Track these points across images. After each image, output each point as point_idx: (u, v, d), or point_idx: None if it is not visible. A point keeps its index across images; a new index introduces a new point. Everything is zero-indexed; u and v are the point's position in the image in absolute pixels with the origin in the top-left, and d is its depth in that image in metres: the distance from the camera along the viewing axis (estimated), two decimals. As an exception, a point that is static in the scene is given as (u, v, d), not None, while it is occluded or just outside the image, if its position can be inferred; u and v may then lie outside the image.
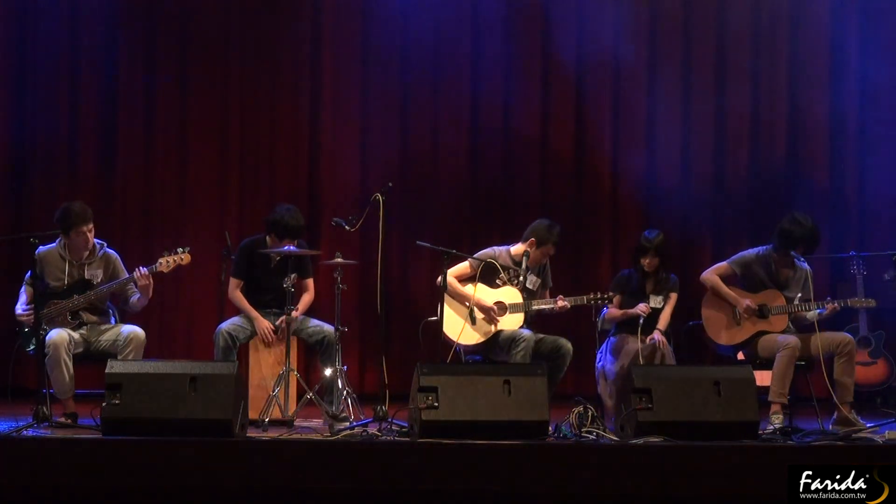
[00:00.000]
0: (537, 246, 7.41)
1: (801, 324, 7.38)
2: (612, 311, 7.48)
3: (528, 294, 7.38)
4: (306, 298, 7.55)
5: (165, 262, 7.07)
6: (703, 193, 9.31)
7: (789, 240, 7.26)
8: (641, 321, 7.34)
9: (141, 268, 7.02)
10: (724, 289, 7.42)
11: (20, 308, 7.00)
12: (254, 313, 7.40)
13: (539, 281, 7.50)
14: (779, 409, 7.02)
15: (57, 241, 7.13)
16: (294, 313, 7.22)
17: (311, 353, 8.81)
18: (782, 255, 7.36)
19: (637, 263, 7.58)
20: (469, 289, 7.34)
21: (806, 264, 7.38)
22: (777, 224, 7.37)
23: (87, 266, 7.13)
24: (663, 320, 7.45)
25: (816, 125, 9.32)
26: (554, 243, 7.44)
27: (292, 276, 7.15)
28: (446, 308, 7.16)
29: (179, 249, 7.14)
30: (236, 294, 7.51)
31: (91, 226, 7.07)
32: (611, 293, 7.38)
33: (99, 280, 7.11)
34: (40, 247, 7.07)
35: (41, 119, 9.23)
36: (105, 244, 7.23)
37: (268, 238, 7.46)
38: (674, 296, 7.56)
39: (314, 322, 7.45)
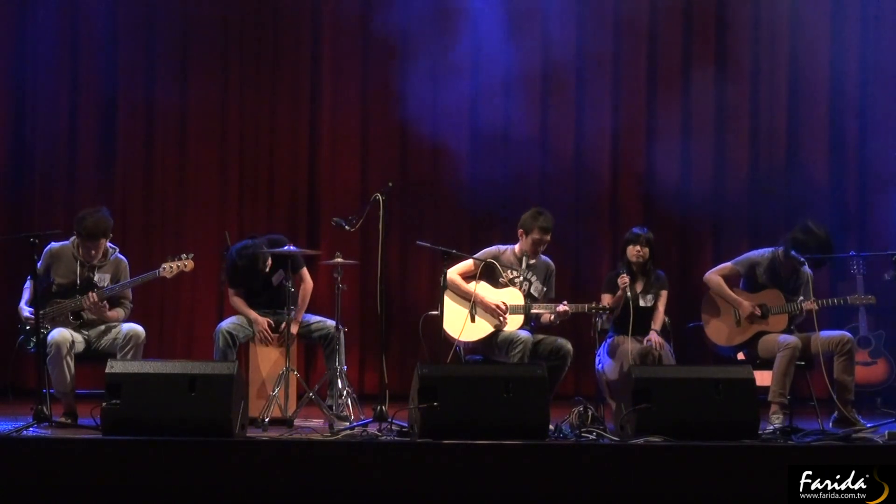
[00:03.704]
0: (526, 235, 7.41)
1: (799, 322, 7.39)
2: (605, 299, 7.38)
3: (532, 300, 7.38)
4: (304, 291, 7.55)
5: (169, 268, 7.06)
6: (703, 193, 9.31)
7: (804, 250, 7.19)
8: (627, 291, 7.26)
9: (90, 293, 6.98)
10: (727, 290, 7.41)
11: (25, 309, 6.98)
12: (252, 314, 7.41)
13: (544, 289, 7.48)
14: (779, 409, 7.01)
15: (70, 239, 7.11)
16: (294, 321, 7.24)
17: (311, 352, 8.84)
18: (789, 260, 7.34)
19: (623, 256, 7.51)
20: (472, 286, 7.34)
21: (808, 267, 7.36)
22: (789, 232, 7.31)
23: (98, 269, 7.12)
24: (657, 320, 7.42)
25: (816, 125, 9.31)
26: (541, 229, 7.36)
27: (279, 272, 7.15)
28: (447, 305, 7.16)
29: (183, 255, 7.12)
30: (234, 299, 7.53)
31: (99, 243, 7.00)
32: (608, 306, 7.31)
33: (105, 283, 7.10)
34: (53, 242, 7.07)
35: (41, 119, 9.24)
36: (117, 249, 7.21)
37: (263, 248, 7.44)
38: (664, 293, 7.51)
39: (317, 318, 7.48)
